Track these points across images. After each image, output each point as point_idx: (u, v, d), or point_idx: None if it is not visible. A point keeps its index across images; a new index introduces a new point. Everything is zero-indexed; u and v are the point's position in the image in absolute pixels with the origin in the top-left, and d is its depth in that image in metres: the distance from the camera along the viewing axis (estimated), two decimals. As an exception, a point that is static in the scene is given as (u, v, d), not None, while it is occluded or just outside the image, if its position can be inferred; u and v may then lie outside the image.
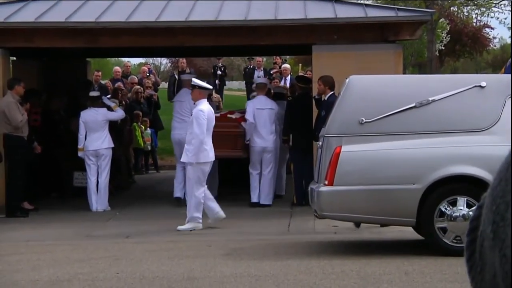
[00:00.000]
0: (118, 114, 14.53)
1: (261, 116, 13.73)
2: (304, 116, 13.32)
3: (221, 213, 11.74)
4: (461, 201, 9.15)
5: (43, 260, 9.51)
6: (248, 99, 16.00)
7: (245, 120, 13.84)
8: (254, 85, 15.60)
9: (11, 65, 14.76)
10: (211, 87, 12.74)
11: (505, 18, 39.67)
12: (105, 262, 9.24)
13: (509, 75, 11.90)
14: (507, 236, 0.88)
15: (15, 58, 16.21)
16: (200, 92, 11.69)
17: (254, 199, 13.74)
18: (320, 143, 9.97)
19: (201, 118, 11.37)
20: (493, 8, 33.86)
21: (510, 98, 9.29)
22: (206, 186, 11.67)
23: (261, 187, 13.77)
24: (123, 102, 17.70)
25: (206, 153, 11.52)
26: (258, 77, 20.61)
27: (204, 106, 11.59)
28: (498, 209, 0.90)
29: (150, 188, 17.43)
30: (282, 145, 14.03)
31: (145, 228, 11.94)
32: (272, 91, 14.93)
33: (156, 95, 20.70)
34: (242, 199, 13.84)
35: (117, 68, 22.67)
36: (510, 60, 13.34)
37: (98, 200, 13.84)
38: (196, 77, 13.13)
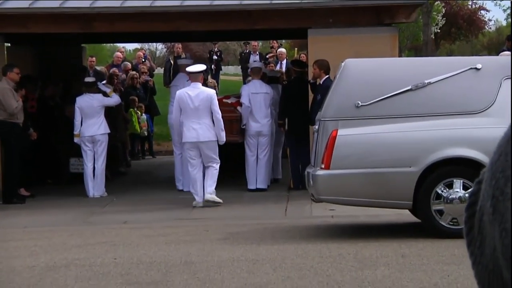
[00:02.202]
0: (114, 99, 14.50)
1: (256, 101, 13.72)
2: (300, 100, 13.30)
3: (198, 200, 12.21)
4: (458, 184, 9.17)
5: (40, 246, 9.52)
6: (244, 83, 15.97)
7: (240, 104, 13.82)
8: (249, 70, 15.59)
9: (5, 52, 14.69)
10: (203, 67, 13.03)
11: (500, 0, 39.60)
12: (102, 248, 9.25)
13: (505, 56, 11.90)
14: (506, 210, 0.87)
15: (9, 45, 16.15)
16: (195, 76, 12.28)
17: (251, 186, 13.73)
18: (316, 127, 9.97)
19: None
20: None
21: (507, 80, 9.29)
22: (193, 167, 12.27)
23: (257, 171, 13.77)
24: (120, 89, 17.64)
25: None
26: (254, 61, 20.59)
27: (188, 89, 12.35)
28: (498, 183, 0.90)
29: (147, 173, 17.43)
30: (277, 129, 14.04)
31: (142, 214, 11.95)
32: (267, 75, 14.92)
33: (152, 81, 20.66)
34: (238, 184, 13.85)
35: (118, 53, 22.54)
36: None
37: (95, 186, 13.83)
38: (192, 63, 13.51)
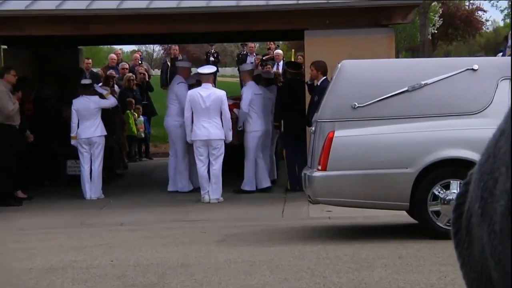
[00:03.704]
0: (111, 101, 14.50)
1: (258, 102, 13.76)
2: (296, 102, 13.31)
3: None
4: (454, 185, 9.17)
5: (37, 248, 9.51)
6: (241, 85, 15.99)
7: (238, 106, 13.84)
8: (240, 73, 15.73)
9: (2, 54, 14.69)
10: (213, 68, 14.16)
11: (497, 1, 39.64)
12: (99, 250, 9.24)
13: (502, 57, 11.91)
14: (495, 212, 0.87)
15: (6, 47, 16.15)
16: (206, 77, 13.16)
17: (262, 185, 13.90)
18: (313, 128, 9.96)
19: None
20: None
21: (503, 80, 9.29)
22: (202, 163, 12.95)
23: (249, 173, 13.83)
24: (115, 89, 17.63)
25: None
26: (251, 63, 20.61)
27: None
28: (486, 185, 0.89)
29: (144, 175, 17.43)
30: (273, 130, 14.15)
31: (139, 216, 11.95)
32: (261, 76, 14.96)
33: (147, 76, 20.62)
34: (236, 185, 13.84)
35: (113, 55, 22.55)
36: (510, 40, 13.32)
37: (92, 188, 13.82)
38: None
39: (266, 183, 13.94)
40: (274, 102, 14.26)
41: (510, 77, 9.24)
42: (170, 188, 14.20)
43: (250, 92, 13.70)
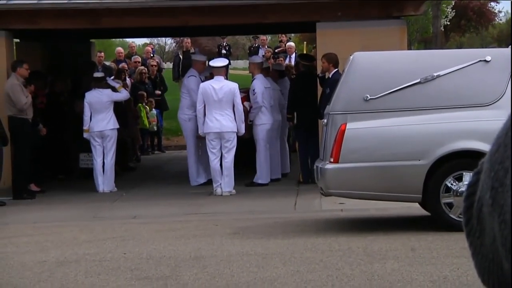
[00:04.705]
0: (123, 94, 14.52)
1: (268, 95, 13.77)
2: (308, 94, 13.30)
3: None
4: (467, 176, 9.13)
5: (51, 241, 9.55)
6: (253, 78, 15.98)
7: (248, 99, 13.84)
8: (249, 65, 15.74)
9: (15, 48, 14.73)
10: (225, 61, 14.18)
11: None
12: (112, 243, 9.27)
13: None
14: (505, 201, 0.87)
15: (18, 41, 16.19)
16: (218, 70, 13.17)
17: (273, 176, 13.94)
18: (325, 120, 9.95)
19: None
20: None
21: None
22: (214, 156, 12.95)
23: (261, 166, 13.84)
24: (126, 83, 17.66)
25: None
26: (262, 55, 20.57)
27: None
28: (497, 175, 0.89)
29: (156, 168, 17.45)
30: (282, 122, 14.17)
31: (152, 209, 11.97)
32: (271, 69, 14.97)
33: (158, 68, 20.67)
34: (248, 178, 13.84)
35: (120, 49, 22.60)
36: None
37: (105, 181, 13.86)
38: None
39: (276, 174, 13.95)
40: (285, 95, 14.25)
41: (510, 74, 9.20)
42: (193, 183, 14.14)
43: (261, 84, 13.71)
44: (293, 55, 21.27)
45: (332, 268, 7.62)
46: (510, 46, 12.72)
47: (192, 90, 13.77)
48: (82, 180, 14.58)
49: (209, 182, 13.42)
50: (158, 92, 19.63)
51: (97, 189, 13.78)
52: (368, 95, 9.37)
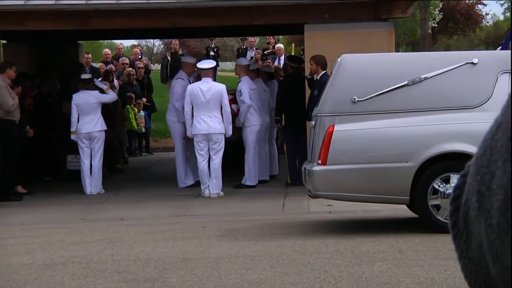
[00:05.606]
0: (111, 96, 14.49)
1: (254, 96, 13.76)
2: (297, 96, 13.30)
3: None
4: (454, 179, 9.15)
5: (38, 243, 9.51)
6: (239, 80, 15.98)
7: (235, 102, 13.83)
8: (235, 67, 15.74)
9: (1, 49, 14.67)
10: (213, 63, 14.15)
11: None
12: (99, 245, 9.24)
13: (501, 51, 11.89)
14: (492, 206, 0.87)
15: (5, 42, 16.13)
16: (206, 72, 13.15)
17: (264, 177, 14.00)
18: (313, 122, 9.96)
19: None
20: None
21: (503, 74, 9.28)
22: (202, 158, 12.94)
23: (250, 168, 13.82)
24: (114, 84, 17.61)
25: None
26: (251, 57, 20.56)
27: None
28: (483, 179, 0.89)
29: (144, 170, 17.42)
30: (273, 124, 14.16)
31: (140, 211, 11.94)
32: (259, 70, 14.96)
33: (146, 69, 20.61)
34: (236, 180, 13.83)
35: (107, 50, 22.59)
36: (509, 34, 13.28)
37: (92, 183, 13.82)
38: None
39: (264, 176, 13.96)
40: (274, 96, 14.25)
41: (510, 71, 9.23)
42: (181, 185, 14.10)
43: (247, 86, 13.72)
44: (282, 57, 21.28)
45: (320, 270, 7.62)
46: (510, 46, 12.74)
47: (177, 93, 13.80)
48: (70, 182, 14.53)
49: (197, 184, 13.41)
50: (144, 99, 19.55)
51: (84, 191, 13.74)
52: (356, 97, 9.38)
